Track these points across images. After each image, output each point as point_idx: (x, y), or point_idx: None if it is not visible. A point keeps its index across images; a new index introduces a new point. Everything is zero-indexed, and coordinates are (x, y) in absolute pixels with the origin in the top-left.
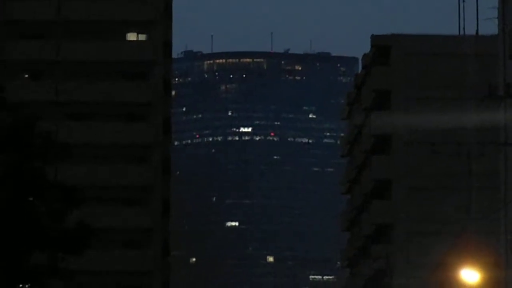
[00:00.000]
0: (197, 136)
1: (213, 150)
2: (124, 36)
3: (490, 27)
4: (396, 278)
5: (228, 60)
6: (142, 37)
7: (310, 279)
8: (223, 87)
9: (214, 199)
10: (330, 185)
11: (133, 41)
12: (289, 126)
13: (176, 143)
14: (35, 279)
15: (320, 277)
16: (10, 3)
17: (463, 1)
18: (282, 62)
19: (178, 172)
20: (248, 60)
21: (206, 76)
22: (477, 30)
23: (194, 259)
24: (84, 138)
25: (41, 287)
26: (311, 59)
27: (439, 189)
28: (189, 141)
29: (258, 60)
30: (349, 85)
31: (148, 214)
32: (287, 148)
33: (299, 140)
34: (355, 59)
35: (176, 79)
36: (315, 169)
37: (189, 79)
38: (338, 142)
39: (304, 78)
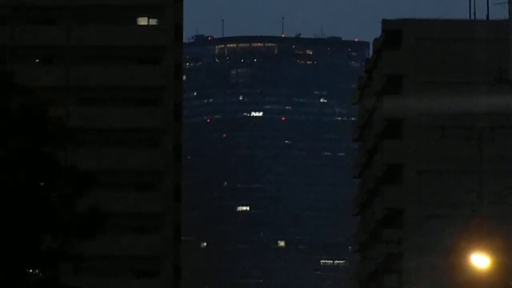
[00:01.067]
0: (208, 120)
1: (224, 135)
2: (135, 21)
3: (501, 12)
4: (408, 262)
5: (239, 45)
6: (153, 21)
7: (321, 263)
8: (234, 72)
9: (225, 183)
10: (342, 169)
11: (144, 25)
12: (300, 111)
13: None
14: (47, 264)
15: (331, 261)
16: None
17: None
18: (293, 46)
19: (189, 157)
20: (259, 44)
21: (217, 60)
22: (487, 15)
23: (205, 244)
24: (95, 123)
25: (52, 271)
26: (322, 43)
27: (450, 173)
28: (200, 125)
29: (269, 44)
30: (360, 69)
31: (159, 199)
32: (298, 133)
33: (310, 124)
34: (366, 44)
35: (187, 63)
36: (327, 153)
37: (200, 63)
38: (349, 126)
39: (315, 62)
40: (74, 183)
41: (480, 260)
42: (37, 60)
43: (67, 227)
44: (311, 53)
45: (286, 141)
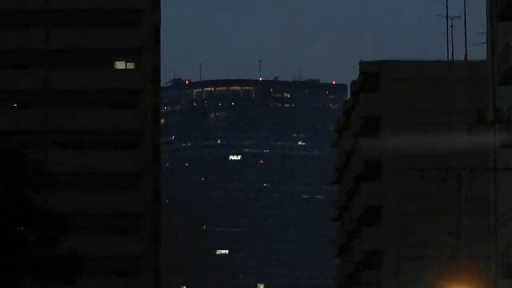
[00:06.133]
0: (186, 164)
1: (202, 178)
2: (113, 64)
3: (479, 53)
4: None
5: (216, 88)
6: (131, 65)
7: None
8: (211, 115)
9: (204, 227)
10: (320, 212)
11: (122, 69)
12: (278, 153)
13: (165, 171)
14: None
15: None
16: (1, 34)
17: (451, 26)
18: (271, 89)
19: (167, 201)
20: (237, 88)
21: (194, 104)
22: (465, 56)
23: (185, 287)
24: (73, 167)
25: None
26: (300, 86)
27: (429, 214)
28: (178, 169)
29: (247, 87)
30: (338, 112)
31: (138, 242)
32: (277, 175)
33: (288, 167)
34: (344, 86)
35: (165, 107)
36: (305, 196)
37: (178, 107)
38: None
39: (293, 105)
40: (53, 226)
41: None
42: (15, 104)
43: (47, 271)
44: (288, 96)
45: (265, 184)
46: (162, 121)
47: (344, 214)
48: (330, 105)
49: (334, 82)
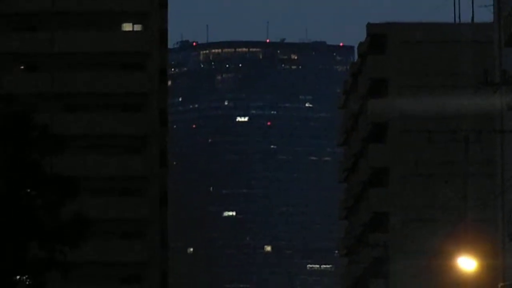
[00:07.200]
0: (194, 126)
1: (209, 140)
2: (120, 27)
3: (485, 14)
4: (394, 266)
5: (223, 50)
6: (138, 27)
7: (308, 268)
8: (219, 77)
9: (211, 189)
10: (327, 174)
11: (129, 31)
12: (285, 115)
13: (172, 133)
14: (33, 271)
15: (317, 266)
16: None
17: None
18: (278, 51)
19: (175, 163)
20: (244, 49)
21: (202, 66)
22: (472, 17)
23: (191, 249)
24: (80, 130)
25: (39, 279)
26: (307, 48)
27: (436, 177)
28: (185, 131)
29: (254, 49)
30: (345, 74)
31: (145, 205)
32: (284, 137)
33: (295, 129)
34: (351, 48)
35: (172, 69)
36: (312, 158)
37: (185, 69)
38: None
39: (300, 67)
40: (59, 190)
41: (467, 263)
42: (21, 67)
43: (52, 235)
44: (296, 57)
45: (272, 146)
46: (169, 83)
47: (351, 177)
48: (337, 67)
49: (341, 44)
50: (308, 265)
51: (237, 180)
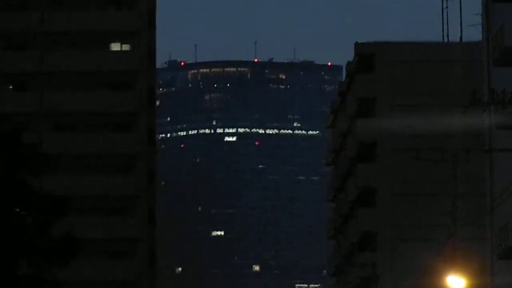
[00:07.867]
0: (182, 145)
1: (198, 160)
2: (108, 47)
3: (474, 34)
4: (382, 286)
5: (212, 70)
6: (126, 47)
7: (296, 287)
8: (207, 97)
9: (199, 208)
10: (315, 193)
11: (117, 51)
12: (273, 135)
13: (161, 153)
14: None
15: (306, 285)
16: None
17: (446, 7)
18: (266, 71)
19: (163, 182)
20: (232, 69)
21: (190, 85)
22: (461, 37)
23: (180, 269)
24: (69, 149)
25: None
26: (295, 67)
27: (424, 196)
28: (174, 150)
29: (242, 69)
30: (333, 93)
31: (134, 224)
32: (272, 157)
33: (283, 148)
34: (339, 67)
35: (160, 89)
36: (300, 177)
37: (173, 89)
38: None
39: (288, 86)
40: (49, 208)
41: (456, 282)
42: (10, 87)
43: (42, 254)
44: (284, 77)
45: (260, 166)
46: (158, 102)
47: (339, 196)
48: (325, 86)
49: (329, 64)
50: (296, 285)
51: (225, 200)
